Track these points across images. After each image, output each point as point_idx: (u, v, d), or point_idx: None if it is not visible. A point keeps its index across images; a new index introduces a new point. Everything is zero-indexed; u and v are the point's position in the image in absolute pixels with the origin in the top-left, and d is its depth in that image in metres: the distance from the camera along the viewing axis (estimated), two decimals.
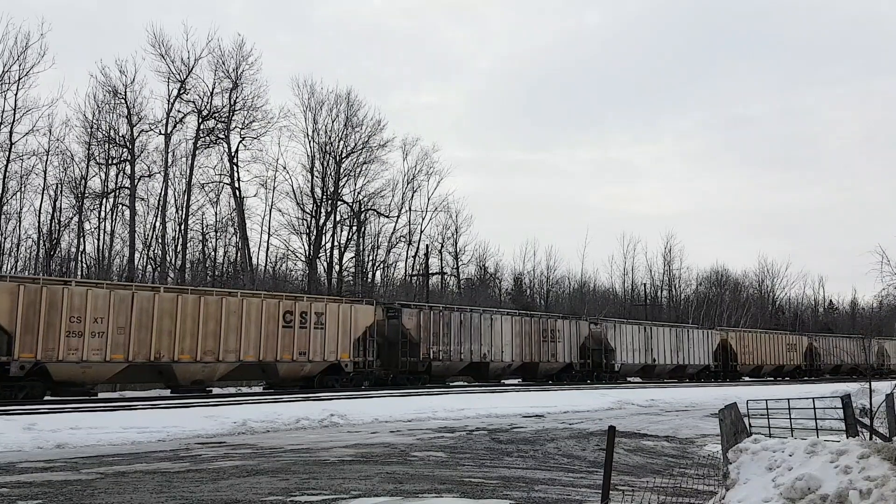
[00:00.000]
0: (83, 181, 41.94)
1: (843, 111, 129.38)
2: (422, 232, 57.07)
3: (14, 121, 38.03)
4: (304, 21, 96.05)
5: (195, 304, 23.86)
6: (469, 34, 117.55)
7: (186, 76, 43.93)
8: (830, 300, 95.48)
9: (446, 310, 32.77)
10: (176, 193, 44.99)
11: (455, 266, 61.02)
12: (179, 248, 44.50)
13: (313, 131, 50.50)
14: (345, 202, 51.62)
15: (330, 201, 50.22)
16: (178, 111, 44.01)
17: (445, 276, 59.55)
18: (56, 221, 41.48)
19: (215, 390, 25.46)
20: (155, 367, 23.25)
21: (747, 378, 48.79)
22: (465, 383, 34.10)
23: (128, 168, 42.44)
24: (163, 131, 43.40)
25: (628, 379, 41.83)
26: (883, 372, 57.60)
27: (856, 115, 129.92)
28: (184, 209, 44.38)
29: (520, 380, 37.01)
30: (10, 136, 37.94)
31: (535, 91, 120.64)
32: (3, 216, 39.03)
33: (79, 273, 40.23)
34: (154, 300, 23.03)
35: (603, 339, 39.54)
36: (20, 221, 41.25)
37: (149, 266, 44.28)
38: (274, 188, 49.67)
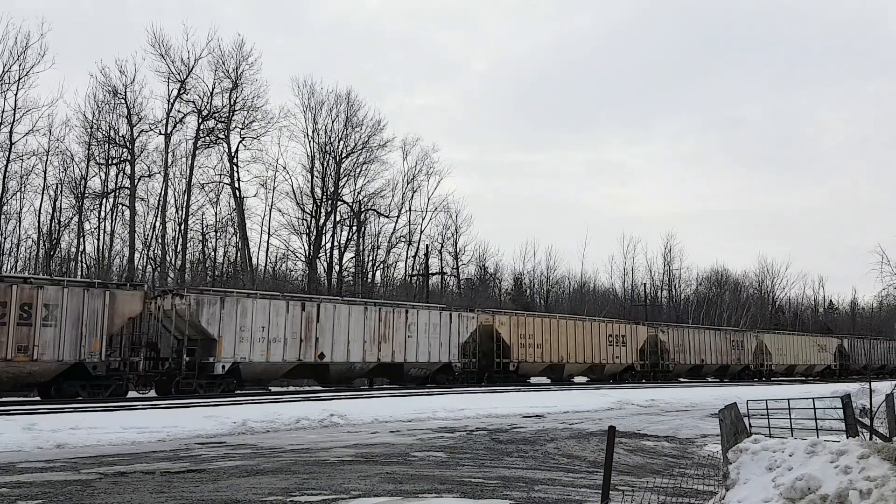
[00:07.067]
0: (83, 181, 42.02)
1: (838, 112, 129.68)
2: (422, 232, 57.07)
3: (14, 121, 38.18)
4: (301, 24, 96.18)
5: None
6: (464, 37, 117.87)
7: (186, 76, 44.00)
8: (830, 300, 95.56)
9: None
10: (176, 193, 45.09)
11: (455, 266, 61.00)
12: (179, 248, 44.55)
13: (313, 131, 50.55)
14: (345, 202, 51.64)
15: (330, 201, 50.21)
16: (178, 111, 44.12)
17: (445, 276, 59.56)
18: (56, 221, 41.55)
19: None
20: None
21: (533, 381, 35.28)
22: None
23: (128, 168, 42.49)
24: (163, 131, 43.47)
25: (271, 388, 27.46)
26: (763, 373, 47.39)
27: (850, 115, 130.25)
28: (184, 209, 44.45)
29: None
30: (10, 136, 38.10)
31: (530, 93, 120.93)
32: (3, 216, 39.09)
33: (79, 273, 40.25)
34: None
35: (192, 319, 23.66)
36: (20, 221, 41.41)
37: (149, 266, 44.34)
38: (274, 188, 49.72)
